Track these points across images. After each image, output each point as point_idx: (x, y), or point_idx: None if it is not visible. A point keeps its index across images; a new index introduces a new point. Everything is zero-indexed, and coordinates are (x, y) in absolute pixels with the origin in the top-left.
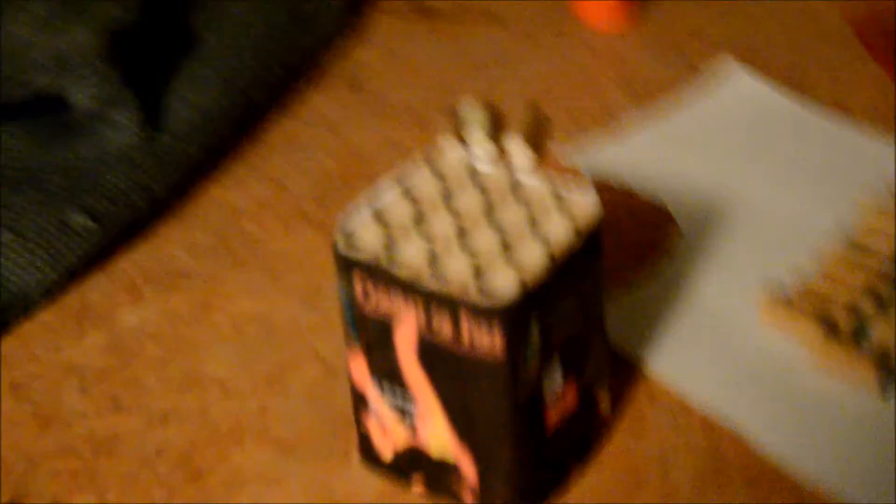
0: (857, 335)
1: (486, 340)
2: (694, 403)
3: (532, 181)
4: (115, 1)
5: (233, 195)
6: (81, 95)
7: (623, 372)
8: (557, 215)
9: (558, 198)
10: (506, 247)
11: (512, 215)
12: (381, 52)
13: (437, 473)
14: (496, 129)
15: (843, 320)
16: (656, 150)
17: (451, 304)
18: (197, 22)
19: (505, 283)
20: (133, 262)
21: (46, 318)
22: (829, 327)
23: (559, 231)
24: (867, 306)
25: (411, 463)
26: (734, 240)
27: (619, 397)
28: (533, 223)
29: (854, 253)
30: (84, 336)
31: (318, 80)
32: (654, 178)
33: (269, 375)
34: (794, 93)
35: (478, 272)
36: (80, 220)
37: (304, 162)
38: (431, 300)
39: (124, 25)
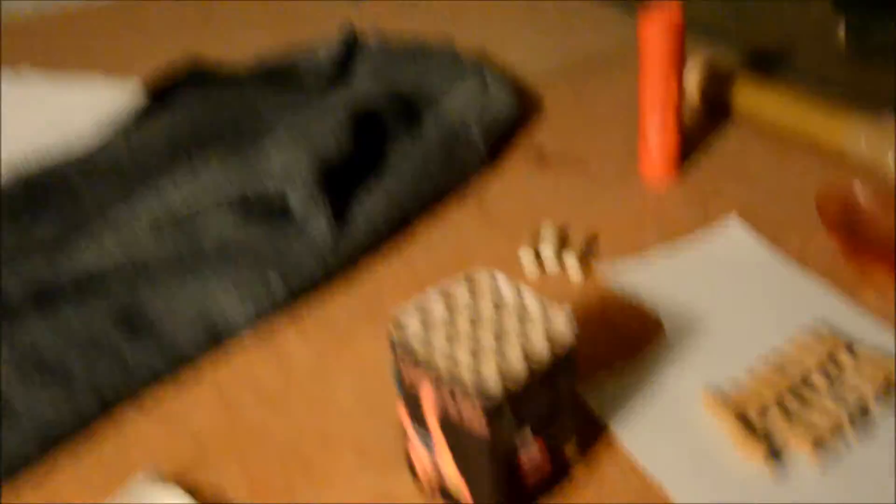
0: (765, 432)
1: (476, 421)
2: (637, 460)
3: (532, 301)
4: (334, 136)
5: (381, 271)
6: (293, 193)
7: (596, 433)
8: (540, 330)
9: (547, 318)
10: (499, 347)
11: (511, 323)
12: (503, 183)
13: (448, 493)
14: (561, 246)
15: (755, 420)
16: (666, 277)
17: (454, 386)
18: (385, 154)
19: (493, 381)
20: (308, 313)
21: (244, 345)
22: (745, 424)
23: (541, 342)
24: (775, 413)
25: (435, 479)
26: (699, 349)
27: (589, 450)
28: (523, 332)
29: (776, 373)
30: (267, 358)
31: (457, 196)
32: (658, 296)
33: (372, 401)
34: (773, 244)
35: (476, 363)
36: (276, 281)
37: (435, 254)
38: (441, 379)
39: (333, 155)
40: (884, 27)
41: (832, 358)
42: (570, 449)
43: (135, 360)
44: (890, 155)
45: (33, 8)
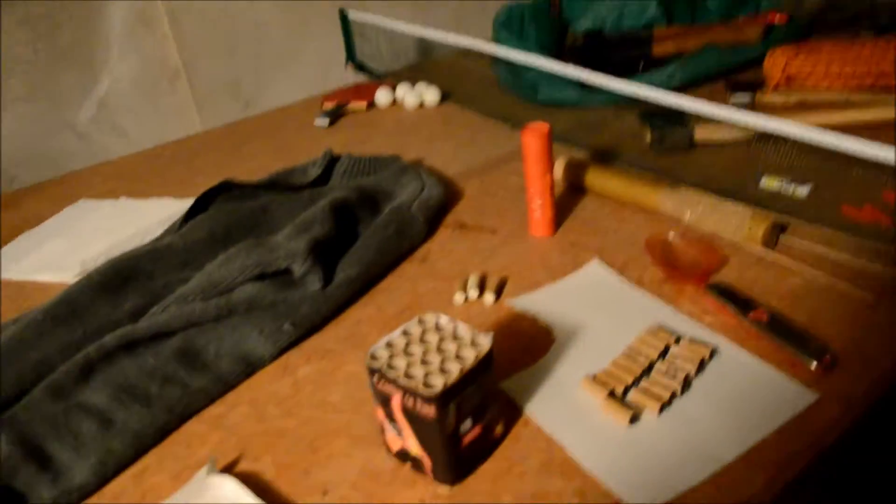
0: (623, 397)
1: (428, 410)
2: (544, 429)
3: (462, 329)
4: (321, 226)
5: (359, 312)
6: (297, 266)
7: (514, 412)
8: (469, 349)
9: (473, 340)
10: (442, 363)
11: (450, 346)
12: (438, 246)
13: (415, 460)
14: (482, 286)
15: (617, 390)
16: (553, 302)
17: (412, 392)
18: (356, 231)
19: (437, 384)
20: (309, 344)
21: (266, 370)
22: (610, 393)
23: (469, 355)
24: (633, 389)
25: (404, 455)
26: (578, 349)
27: (511, 423)
28: (458, 351)
29: (631, 361)
30: (283, 378)
31: (407, 257)
32: (550, 315)
33: (357, 403)
34: (621, 275)
35: (427, 375)
36: (287, 326)
37: (395, 299)
38: (405, 388)
39: (321, 236)
40: (672, 132)
41: (667, 348)
42: (499, 428)
43: (194, 386)
44: (687, 213)
45: (125, 149)
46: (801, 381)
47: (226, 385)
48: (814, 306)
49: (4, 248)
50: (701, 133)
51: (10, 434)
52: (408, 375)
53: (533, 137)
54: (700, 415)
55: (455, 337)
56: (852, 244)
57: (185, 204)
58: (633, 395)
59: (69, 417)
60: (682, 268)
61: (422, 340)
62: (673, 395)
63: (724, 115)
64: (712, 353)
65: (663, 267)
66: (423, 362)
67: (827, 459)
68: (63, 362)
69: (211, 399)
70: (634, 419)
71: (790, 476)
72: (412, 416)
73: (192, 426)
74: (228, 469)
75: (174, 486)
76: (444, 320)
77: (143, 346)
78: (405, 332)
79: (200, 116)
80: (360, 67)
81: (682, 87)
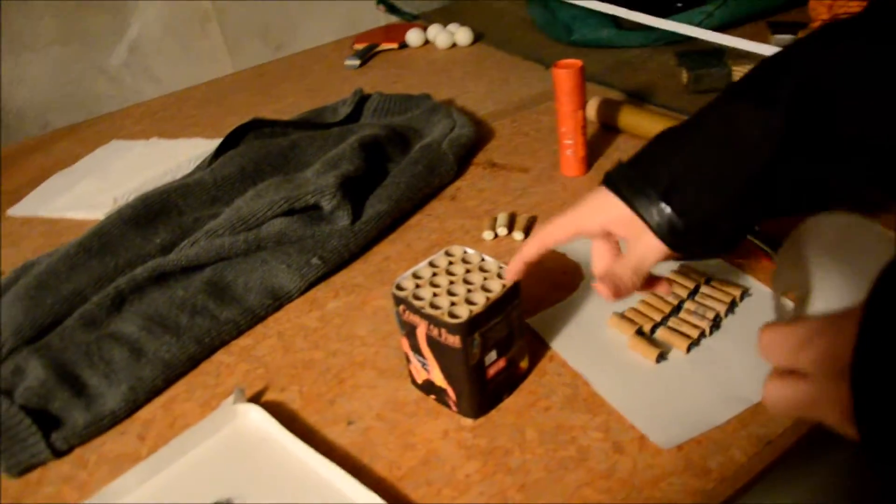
0: (651, 335)
1: (452, 340)
2: (570, 365)
3: (489, 263)
4: (350, 163)
5: (387, 249)
6: (325, 203)
7: (540, 347)
8: (496, 281)
9: (500, 272)
10: (468, 294)
11: (476, 278)
12: (468, 184)
13: (439, 392)
14: (511, 224)
15: (645, 327)
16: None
17: (437, 322)
18: (386, 169)
19: (463, 314)
20: (337, 280)
21: (295, 304)
22: (638, 331)
23: (496, 287)
24: (661, 327)
25: (429, 386)
26: None
27: (536, 359)
28: (484, 283)
29: (660, 301)
30: (311, 311)
31: (437, 195)
32: (579, 252)
33: (383, 336)
34: None
35: (452, 305)
36: (316, 260)
37: (424, 235)
38: (430, 318)
39: (351, 173)
40: (709, 74)
41: (697, 287)
42: (524, 363)
43: (223, 318)
44: None
45: (156, 92)
46: None
47: (254, 317)
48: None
49: (38, 188)
50: (739, 73)
51: (45, 361)
52: (433, 306)
53: (565, 73)
54: (729, 355)
55: (482, 269)
56: None
57: (216, 143)
58: (660, 333)
59: (101, 346)
60: None
61: (448, 272)
62: (702, 335)
63: (762, 52)
64: (743, 294)
65: None
66: (450, 293)
67: None
68: (95, 294)
69: (239, 331)
70: (662, 357)
71: None
72: (437, 347)
73: (221, 357)
74: (255, 399)
75: (202, 414)
76: (471, 253)
77: (173, 279)
78: (431, 264)
79: (232, 60)
80: (392, 8)
81: (722, 28)
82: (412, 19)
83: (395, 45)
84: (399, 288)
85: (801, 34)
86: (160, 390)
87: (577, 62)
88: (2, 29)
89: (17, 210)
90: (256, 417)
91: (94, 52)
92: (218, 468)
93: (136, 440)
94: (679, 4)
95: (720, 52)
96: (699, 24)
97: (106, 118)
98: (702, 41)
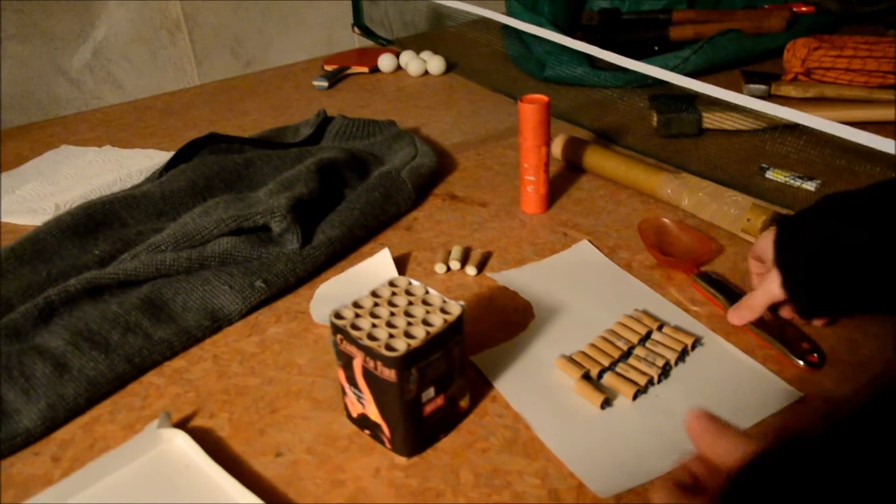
0: (598, 380)
1: (388, 374)
2: (513, 406)
3: (433, 296)
4: (305, 185)
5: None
6: (275, 224)
7: (483, 386)
8: (438, 315)
9: (443, 306)
10: (408, 326)
11: (418, 311)
12: (425, 215)
13: (373, 428)
14: (465, 258)
15: (592, 372)
16: (537, 279)
17: (373, 354)
18: (342, 194)
19: (400, 347)
20: (281, 305)
21: (234, 327)
22: (584, 375)
23: (437, 321)
24: (608, 373)
25: (364, 421)
26: (557, 328)
27: (478, 398)
28: (426, 317)
29: (610, 345)
30: (250, 336)
31: (392, 224)
32: (531, 292)
33: (322, 366)
34: (611, 257)
35: (391, 337)
36: (260, 283)
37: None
38: (366, 350)
39: (304, 196)
40: (679, 118)
41: (648, 334)
42: (464, 402)
43: (157, 337)
44: (684, 199)
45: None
46: (785, 378)
47: (190, 338)
48: None
49: None
50: (709, 120)
51: None
52: (371, 337)
53: (531, 108)
54: (675, 405)
55: (425, 302)
56: None
57: (170, 155)
58: (608, 379)
59: (23, 359)
60: (673, 254)
61: (390, 303)
62: (650, 382)
63: (733, 101)
64: (695, 343)
65: (654, 252)
66: (389, 325)
67: None
68: (23, 303)
69: (173, 352)
70: (607, 403)
71: None
72: (373, 380)
73: (151, 378)
74: (182, 424)
75: (125, 437)
76: (415, 285)
77: (108, 293)
78: (374, 294)
79: (199, 72)
80: (367, 32)
81: (696, 74)
82: (386, 44)
83: (365, 69)
84: (338, 316)
85: (773, 86)
86: (82, 410)
87: (544, 98)
88: None
89: None
90: (181, 444)
91: (55, 52)
92: (136, 495)
93: (49, 462)
94: (655, 48)
95: (692, 98)
96: (674, 69)
97: (60, 121)
98: (675, 86)
